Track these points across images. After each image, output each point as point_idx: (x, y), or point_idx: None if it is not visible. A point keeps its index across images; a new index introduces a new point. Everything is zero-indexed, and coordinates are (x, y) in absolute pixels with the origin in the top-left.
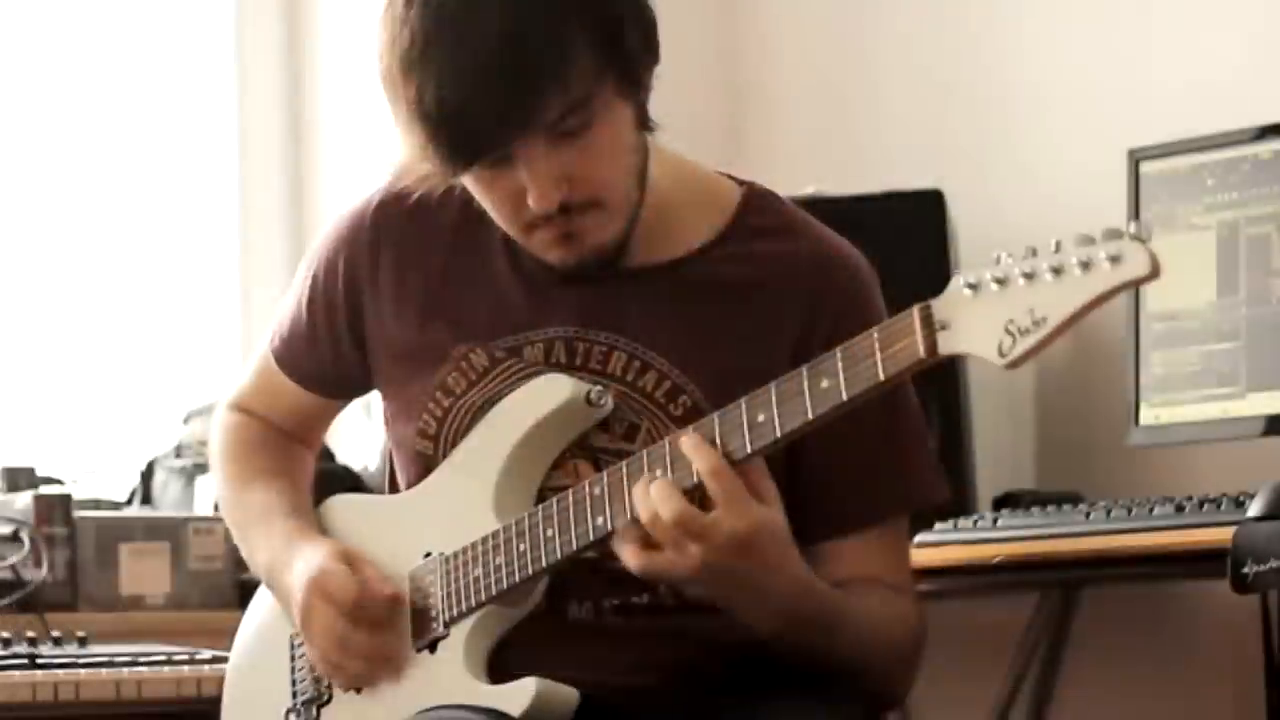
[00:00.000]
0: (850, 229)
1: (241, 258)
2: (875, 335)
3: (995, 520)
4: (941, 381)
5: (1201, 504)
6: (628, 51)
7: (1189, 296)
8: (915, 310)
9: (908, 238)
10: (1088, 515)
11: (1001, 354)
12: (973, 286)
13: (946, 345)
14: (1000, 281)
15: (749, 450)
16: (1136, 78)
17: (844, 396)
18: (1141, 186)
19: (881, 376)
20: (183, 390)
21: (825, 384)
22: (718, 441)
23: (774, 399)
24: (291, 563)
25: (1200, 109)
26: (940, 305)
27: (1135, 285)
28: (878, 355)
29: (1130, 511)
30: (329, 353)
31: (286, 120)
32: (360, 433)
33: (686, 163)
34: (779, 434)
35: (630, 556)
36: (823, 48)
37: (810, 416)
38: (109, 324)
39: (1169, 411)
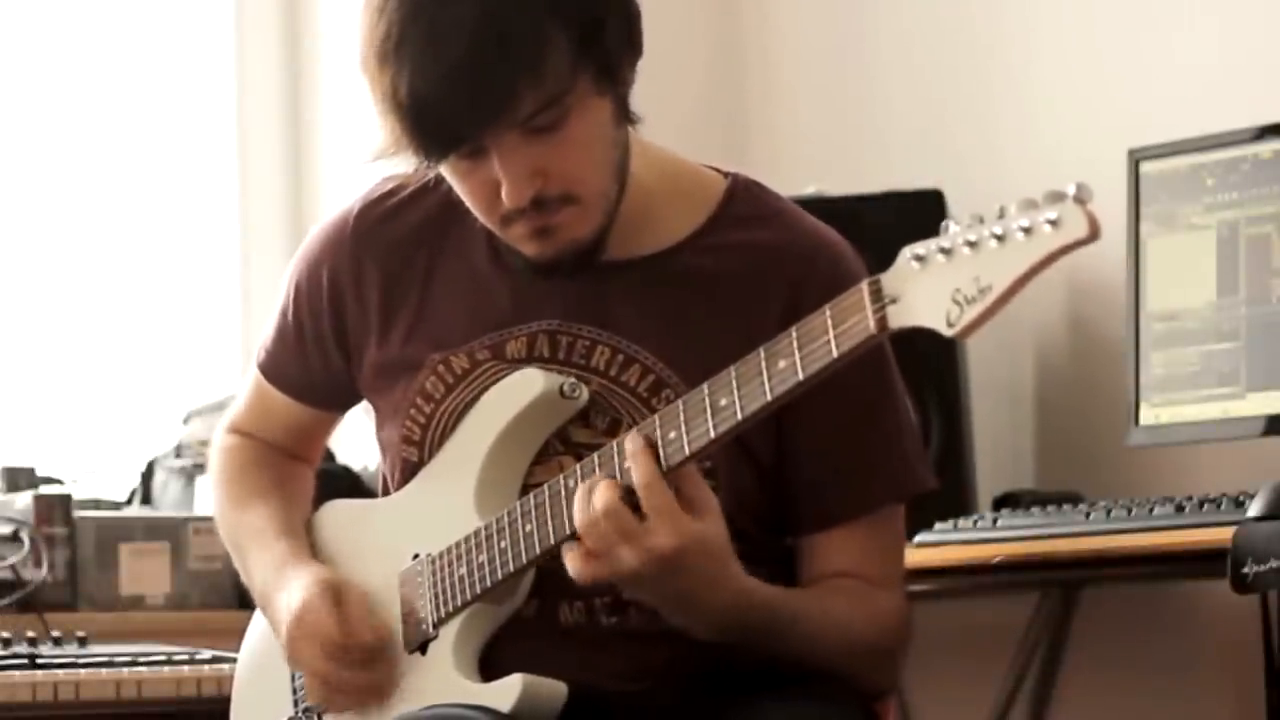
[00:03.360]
0: (850, 229)
1: (241, 257)
2: (828, 312)
3: (995, 520)
4: (941, 381)
5: (1201, 504)
6: (607, 47)
7: (1189, 296)
8: (864, 285)
9: (908, 238)
10: (1088, 515)
11: (950, 324)
12: (920, 258)
13: (896, 319)
14: (946, 251)
15: (687, 452)
16: (1136, 78)
17: (800, 376)
18: (1141, 186)
19: (835, 354)
20: (183, 390)
21: (782, 364)
22: (658, 443)
23: (734, 382)
24: (280, 590)
25: (1200, 109)
26: (889, 279)
27: (1075, 248)
28: (830, 333)
29: (1130, 511)
30: (317, 362)
31: (286, 120)
32: (361, 433)
33: (670, 155)
34: (740, 416)
35: (570, 561)
36: (823, 48)
37: (769, 398)
38: (109, 324)
39: (1169, 411)
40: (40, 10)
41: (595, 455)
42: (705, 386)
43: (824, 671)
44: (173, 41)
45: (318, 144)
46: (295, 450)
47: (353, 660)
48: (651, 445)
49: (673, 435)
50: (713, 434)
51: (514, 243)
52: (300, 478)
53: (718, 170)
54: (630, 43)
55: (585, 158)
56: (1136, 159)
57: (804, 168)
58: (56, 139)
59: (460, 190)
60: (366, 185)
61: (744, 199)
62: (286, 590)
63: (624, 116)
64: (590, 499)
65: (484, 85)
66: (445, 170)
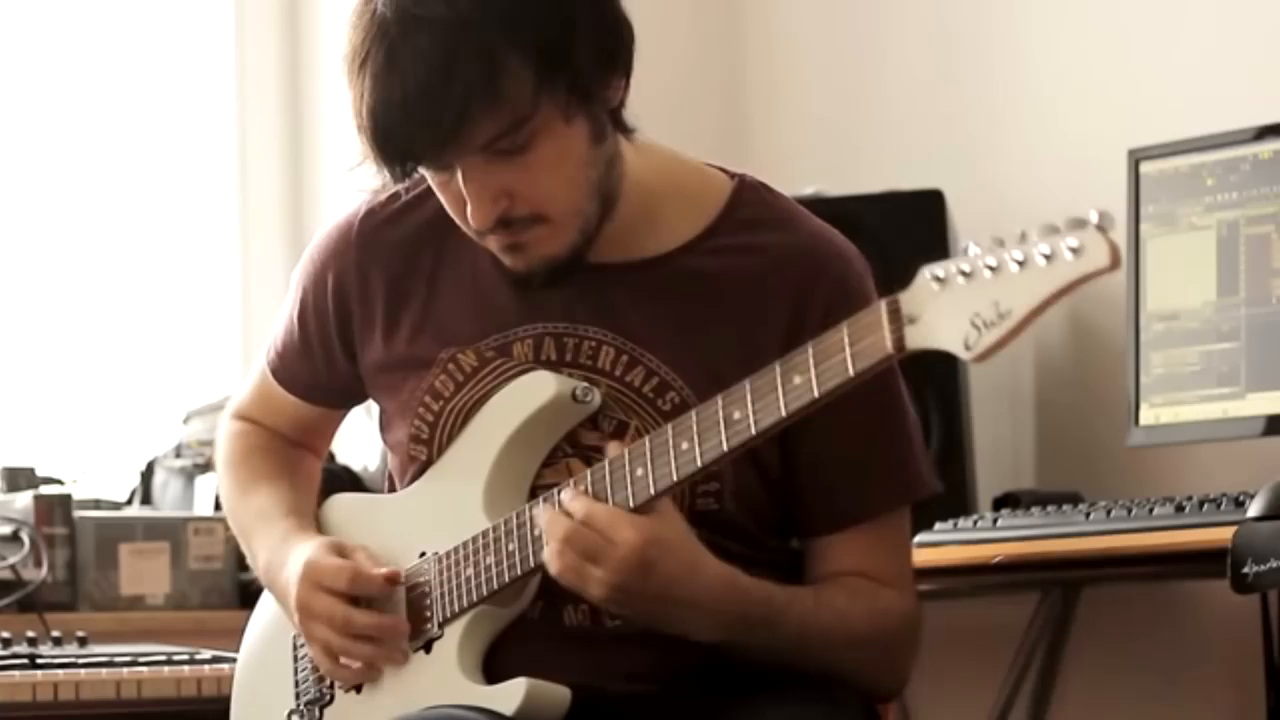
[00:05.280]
0: (850, 229)
1: (241, 258)
2: (845, 330)
3: (995, 520)
4: (941, 381)
5: (1201, 504)
6: (576, 69)
7: (1189, 296)
8: (883, 304)
9: (908, 238)
10: (1088, 515)
11: (967, 348)
12: (940, 279)
13: (914, 340)
14: (966, 274)
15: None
16: (1136, 78)
17: (815, 394)
18: (1141, 186)
19: (851, 372)
20: (183, 390)
21: (797, 380)
22: (608, 491)
23: (749, 396)
24: (286, 561)
25: (1200, 109)
26: (908, 299)
27: (1095, 277)
28: (847, 351)
29: (1130, 511)
30: (322, 364)
31: (286, 120)
32: (361, 433)
33: (676, 156)
34: (754, 430)
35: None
36: (824, 48)
37: (784, 414)
38: (109, 324)
39: (1169, 411)
40: (40, 10)
41: (526, 508)
42: (719, 399)
43: (826, 667)
44: (173, 41)
45: (318, 144)
46: (301, 441)
47: (365, 599)
48: (585, 493)
49: (685, 446)
50: (725, 447)
51: (493, 252)
52: (305, 464)
53: (725, 171)
54: (609, 61)
55: (554, 179)
56: (1136, 159)
57: (804, 168)
58: (57, 139)
59: (440, 199)
60: (369, 187)
61: (750, 201)
62: (291, 559)
63: (604, 133)
64: (551, 530)
65: (437, 113)
66: (427, 177)
